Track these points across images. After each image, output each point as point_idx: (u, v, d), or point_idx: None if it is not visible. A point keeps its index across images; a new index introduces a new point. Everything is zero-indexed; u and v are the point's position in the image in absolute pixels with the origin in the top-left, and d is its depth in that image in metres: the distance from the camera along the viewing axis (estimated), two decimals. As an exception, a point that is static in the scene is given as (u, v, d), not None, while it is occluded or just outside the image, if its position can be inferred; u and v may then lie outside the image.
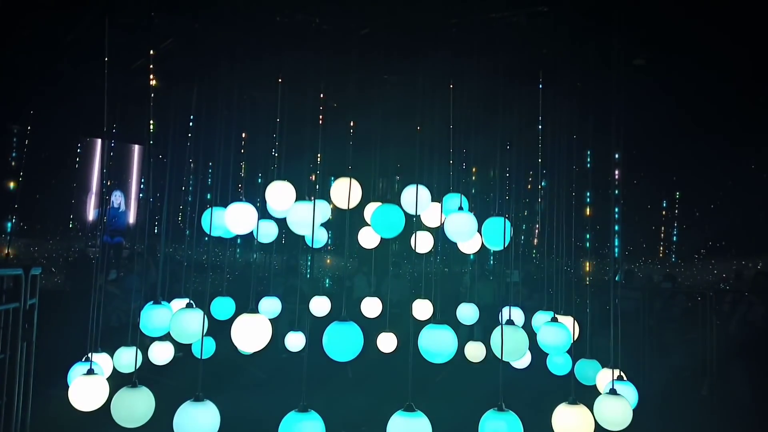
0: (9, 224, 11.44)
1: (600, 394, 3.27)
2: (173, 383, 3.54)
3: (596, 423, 3.02)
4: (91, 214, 12.70)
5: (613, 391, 3.14)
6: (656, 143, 10.46)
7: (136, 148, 12.83)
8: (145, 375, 3.28)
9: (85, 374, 3.06)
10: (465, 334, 5.29)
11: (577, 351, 4.19)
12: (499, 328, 3.09)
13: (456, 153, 6.46)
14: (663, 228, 11.48)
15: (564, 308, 4.73)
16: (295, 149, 7.16)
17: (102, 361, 3.44)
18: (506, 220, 3.73)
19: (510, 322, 3.28)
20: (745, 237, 9.84)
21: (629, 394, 3.43)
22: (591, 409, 3.01)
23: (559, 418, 2.83)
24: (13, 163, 11.53)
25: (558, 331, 3.75)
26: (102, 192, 11.15)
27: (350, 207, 3.73)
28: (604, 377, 3.62)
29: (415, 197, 3.60)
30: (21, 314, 2.37)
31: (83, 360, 3.31)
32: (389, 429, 2.51)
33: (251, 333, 2.86)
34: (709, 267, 10.51)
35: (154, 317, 3.41)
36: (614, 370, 3.49)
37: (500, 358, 2.98)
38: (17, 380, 2.40)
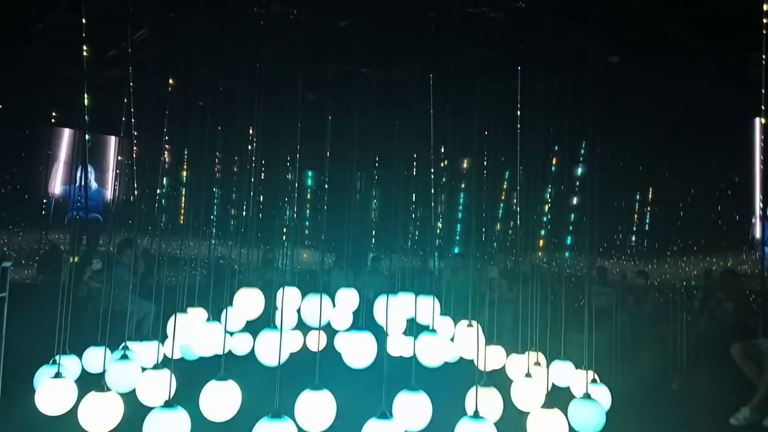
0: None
1: (573, 396, 3.30)
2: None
3: (570, 427, 3.04)
4: (58, 188, 12.14)
5: (586, 396, 3.17)
6: (630, 139, 10.59)
7: (112, 139, 12.56)
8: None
9: (52, 377, 2.99)
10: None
11: (552, 351, 4.23)
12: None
13: (434, 148, 6.46)
14: (636, 225, 11.64)
15: (540, 303, 4.77)
16: (272, 141, 7.09)
17: (71, 364, 3.37)
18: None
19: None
20: (716, 235, 10.04)
21: (603, 396, 3.47)
22: (565, 412, 3.04)
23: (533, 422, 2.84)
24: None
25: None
26: (72, 169, 10.77)
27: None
28: (577, 379, 3.65)
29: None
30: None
31: (50, 362, 3.24)
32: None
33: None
34: (681, 264, 10.68)
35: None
36: (588, 372, 3.52)
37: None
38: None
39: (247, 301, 3.71)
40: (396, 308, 3.73)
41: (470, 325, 3.87)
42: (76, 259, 7.09)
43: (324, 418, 2.66)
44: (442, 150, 7.02)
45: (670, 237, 10.90)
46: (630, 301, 8.29)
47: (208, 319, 3.89)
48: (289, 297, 4.12)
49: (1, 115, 10.55)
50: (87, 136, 8.04)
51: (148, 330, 4.02)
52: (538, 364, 3.95)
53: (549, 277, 7.32)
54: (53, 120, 11.21)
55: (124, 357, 3.31)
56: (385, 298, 3.64)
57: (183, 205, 10.49)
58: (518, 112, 5.14)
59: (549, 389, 3.49)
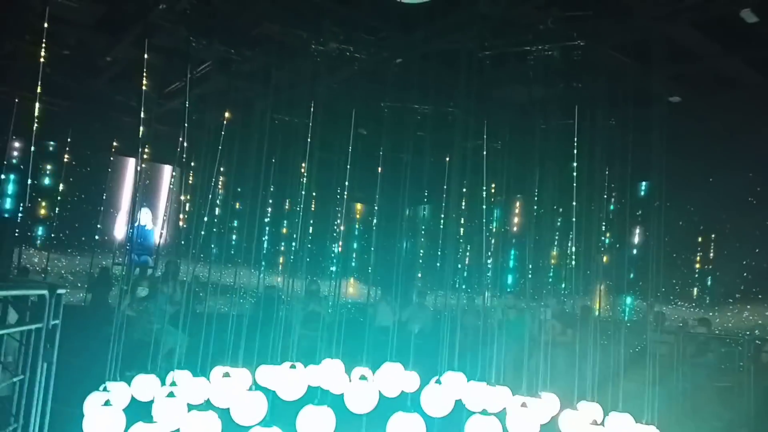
0: (38, 237, 11.64)
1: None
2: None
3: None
4: (121, 232, 12.80)
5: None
6: (691, 181, 10.23)
7: (166, 168, 12.95)
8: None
9: (102, 405, 3.00)
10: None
11: (605, 403, 3.99)
12: None
13: (487, 183, 6.37)
14: (697, 270, 11.15)
15: (594, 349, 4.56)
16: (325, 175, 7.16)
17: (119, 390, 3.38)
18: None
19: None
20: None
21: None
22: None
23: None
24: (47, 180, 11.79)
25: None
26: (133, 209, 11.26)
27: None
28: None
29: None
30: (43, 334, 2.31)
31: (101, 389, 3.26)
32: None
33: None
34: (745, 313, 10.13)
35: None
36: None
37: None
38: (35, 401, 2.33)
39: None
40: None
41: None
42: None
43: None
44: (493, 187, 6.92)
45: (734, 283, 10.39)
46: (691, 350, 7.87)
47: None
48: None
49: (69, 144, 11.08)
50: (141, 165, 8.31)
51: (179, 359, 3.98)
52: (595, 423, 3.69)
53: (606, 322, 7.06)
54: (113, 149, 11.68)
55: (171, 394, 3.30)
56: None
57: (234, 235, 10.67)
58: (575, 150, 5.01)
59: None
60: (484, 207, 5.77)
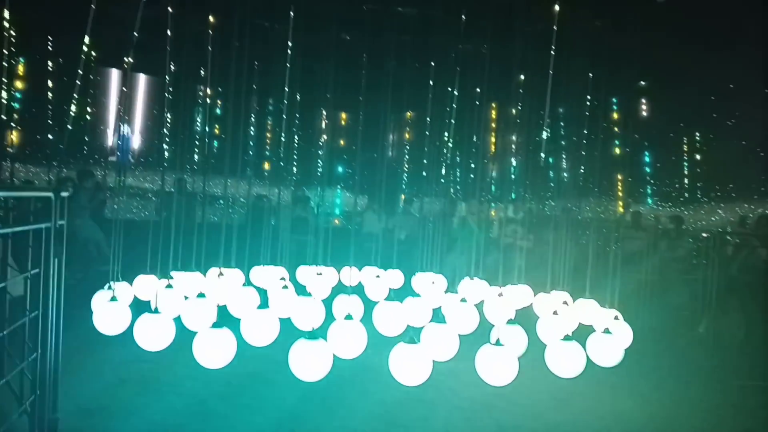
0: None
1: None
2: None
3: (589, 360, 3.19)
4: (110, 140, 13.08)
5: (606, 330, 3.29)
6: (671, 81, 10.28)
7: (142, 77, 12.86)
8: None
9: (108, 301, 3.26)
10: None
11: (576, 291, 4.33)
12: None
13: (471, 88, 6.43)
14: (674, 170, 11.44)
15: (568, 248, 4.86)
16: (308, 83, 7.15)
17: (122, 289, 3.64)
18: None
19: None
20: (756, 182, 9.81)
21: (624, 333, 3.60)
22: (584, 346, 3.17)
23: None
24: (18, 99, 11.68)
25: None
26: (118, 118, 11.33)
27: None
28: (600, 316, 3.77)
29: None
30: (52, 232, 2.52)
31: (105, 288, 3.51)
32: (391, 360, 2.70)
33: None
34: (718, 211, 10.52)
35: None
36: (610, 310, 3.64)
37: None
38: (51, 293, 2.58)
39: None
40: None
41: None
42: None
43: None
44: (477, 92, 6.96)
45: (708, 184, 10.72)
46: (663, 246, 8.28)
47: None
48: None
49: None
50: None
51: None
52: (565, 303, 4.05)
53: (584, 223, 7.35)
54: (98, 62, 11.50)
55: (170, 286, 3.59)
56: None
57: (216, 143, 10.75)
58: (552, 52, 5.03)
59: (576, 328, 3.63)
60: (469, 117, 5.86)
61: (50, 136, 11.89)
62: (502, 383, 2.83)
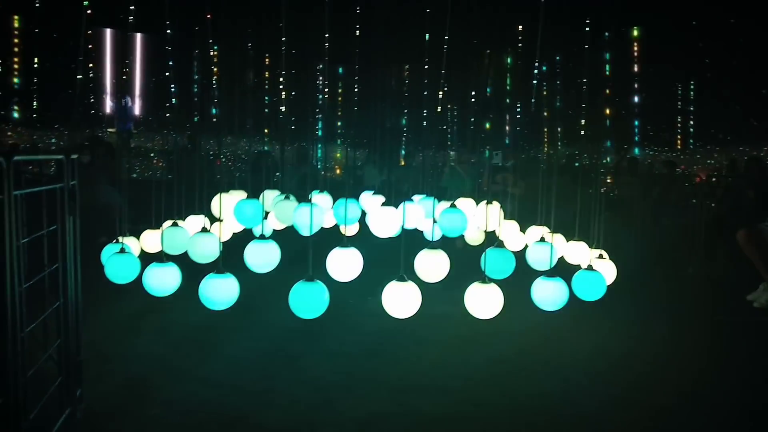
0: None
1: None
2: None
3: (573, 294, 3.40)
4: (108, 106, 13.13)
5: (589, 267, 3.49)
6: (672, 30, 10.24)
7: (138, 36, 12.75)
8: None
9: (117, 253, 3.46)
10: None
11: (567, 235, 4.50)
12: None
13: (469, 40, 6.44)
14: (672, 117, 11.51)
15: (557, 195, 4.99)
16: (301, 33, 7.15)
17: (131, 243, 3.84)
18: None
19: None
20: (748, 126, 9.89)
21: (608, 270, 3.79)
22: (569, 283, 3.38)
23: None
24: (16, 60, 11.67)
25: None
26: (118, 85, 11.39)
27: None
28: (586, 254, 3.96)
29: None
30: (66, 193, 2.68)
31: (113, 242, 3.72)
32: (384, 295, 2.92)
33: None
34: (714, 155, 10.64)
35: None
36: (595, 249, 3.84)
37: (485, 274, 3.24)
38: (69, 248, 2.75)
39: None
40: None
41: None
42: None
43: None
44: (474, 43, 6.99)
45: (703, 129, 10.81)
46: (656, 191, 8.43)
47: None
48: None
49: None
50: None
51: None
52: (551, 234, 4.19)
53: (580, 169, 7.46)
54: (90, 22, 11.41)
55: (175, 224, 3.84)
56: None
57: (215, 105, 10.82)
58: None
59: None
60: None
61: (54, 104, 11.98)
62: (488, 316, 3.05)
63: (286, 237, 4.20)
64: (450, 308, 4.03)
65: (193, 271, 3.62)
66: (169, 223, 3.89)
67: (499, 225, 4.05)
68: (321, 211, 3.93)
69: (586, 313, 4.16)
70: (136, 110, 13.33)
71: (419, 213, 3.82)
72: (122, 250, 3.49)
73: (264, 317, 4.69)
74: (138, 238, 4.07)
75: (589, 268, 3.50)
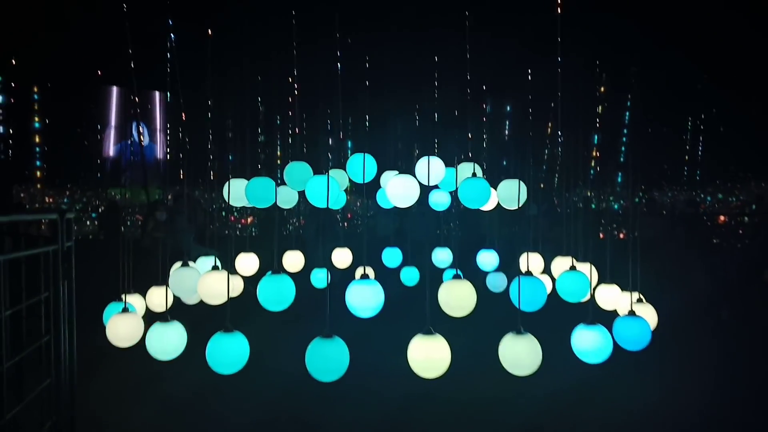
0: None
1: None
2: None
3: (615, 343, 3.09)
4: (112, 150, 12.77)
5: (631, 313, 3.20)
6: (677, 64, 10.16)
7: (157, 94, 12.85)
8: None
9: (120, 312, 3.22)
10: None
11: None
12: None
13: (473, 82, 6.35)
14: (686, 153, 11.31)
15: (583, 240, 4.75)
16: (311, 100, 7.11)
17: (135, 301, 3.60)
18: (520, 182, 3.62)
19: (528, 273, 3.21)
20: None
21: (649, 315, 3.49)
22: (610, 330, 3.08)
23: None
24: (36, 118, 11.73)
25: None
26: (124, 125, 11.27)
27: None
28: (623, 300, 3.67)
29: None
30: (60, 255, 2.48)
31: (118, 301, 3.47)
32: (410, 349, 2.62)
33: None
34: (735, 192, 10.35)
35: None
36: (633, 293, 3.54)
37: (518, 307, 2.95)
38: (62, 316, 2.54)
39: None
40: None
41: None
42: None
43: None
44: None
45: (723, 165, 10.58)
46: (680, 231, 8.13)
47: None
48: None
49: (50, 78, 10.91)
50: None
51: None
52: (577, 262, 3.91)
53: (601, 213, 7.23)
54: (99, 79, 11.54)
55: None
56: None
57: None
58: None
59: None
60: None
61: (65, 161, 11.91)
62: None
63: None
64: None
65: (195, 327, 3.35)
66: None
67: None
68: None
69: (626, 364, 3.84)
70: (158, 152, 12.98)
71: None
72: (125, 310, 3.24)
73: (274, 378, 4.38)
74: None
75: (631, 313, 3.20)
